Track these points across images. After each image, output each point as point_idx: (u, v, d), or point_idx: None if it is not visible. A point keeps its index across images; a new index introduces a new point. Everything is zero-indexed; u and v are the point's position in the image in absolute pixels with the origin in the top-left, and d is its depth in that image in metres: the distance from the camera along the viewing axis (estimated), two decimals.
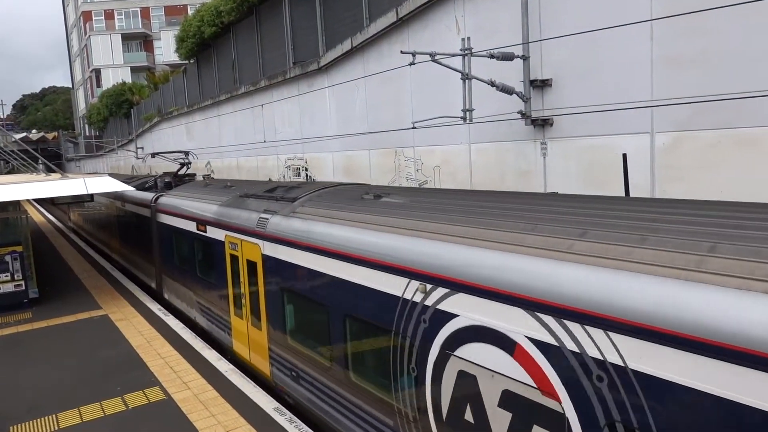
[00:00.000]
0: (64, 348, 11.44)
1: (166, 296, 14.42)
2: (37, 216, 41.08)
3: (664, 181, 7.43)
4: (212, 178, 16.60)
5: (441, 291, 5.02)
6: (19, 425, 8.21)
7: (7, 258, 14.32)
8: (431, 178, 11.65)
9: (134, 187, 16.63)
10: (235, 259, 9.56)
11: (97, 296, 15.57)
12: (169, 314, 13.38)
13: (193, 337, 11.57)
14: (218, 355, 10.50)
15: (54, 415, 8.44)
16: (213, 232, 10.47)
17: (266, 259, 8.38)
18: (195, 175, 17.05)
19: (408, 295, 5.42)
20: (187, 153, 17.28)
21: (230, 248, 9.70)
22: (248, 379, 9.32)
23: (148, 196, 14.97)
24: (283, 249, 7.83)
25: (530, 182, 9.33)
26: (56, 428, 8.05)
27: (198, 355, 10.54)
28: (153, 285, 15.37)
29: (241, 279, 9.39)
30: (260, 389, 8.88)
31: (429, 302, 5.16)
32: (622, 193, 6.45)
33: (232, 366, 9.90)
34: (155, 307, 14.02)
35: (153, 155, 17.29)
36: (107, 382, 9.54)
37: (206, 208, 11.06)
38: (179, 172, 16.50)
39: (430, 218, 5.79)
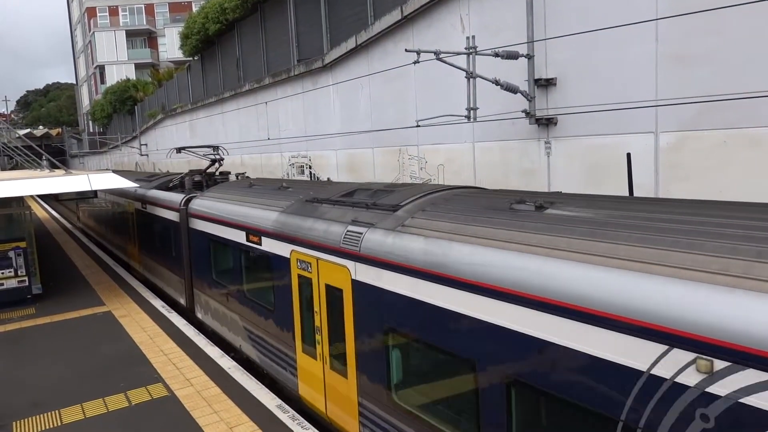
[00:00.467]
0: (67, 344, 11.47)
1: (199, 316, 12.61)
2: (42, 213, 41.19)
3: (668, 181, 7.41)
4: (248, 177, 14.88)
5: (754, 375, 3.19)
6: (22, 420, 8.24)
7: (11, 254, 14.36)
8: (435, 176, 11.66)
9: (155, 187, 15.64)
10: (307, 282, 7.78)
11: (101, 292, 15.62)
12: (173, 311, 13.40)
13: (196, 334, 11.60)
14: (221, 351, 10.52)
15: (57, 411, 8.47)
16: (272, 246, 8.69)
17: (359, 286, 6.58)
18: (229, 173, 15.22)
19: (663, 372, 3.61)
20: (216, 147, 14.99)
21: (299, 267, 7.93)
22: (251, 376, 9.34)
23: (176, 197, 13.24)
24: (391, 276, 6.05)
25: (534, 181, 9.32)
26: (59, 424, 8.08)
27: (201, 351, 10.57)
28: (182, 301, 13.51)
29: (316, 308, 7.57)
30: (263, 386, 8.90)
31: (719, 390, 3.36)
32: (626, 193, 6.43)
33: (235, 363, 9.93)
34: (158, 304, 14.05)
35: (178, 150, 15.15)
36: (110, 378, 9.57)
37: (260, 214, 9.24)
38: (209, 170, 14.75)
39: (691, 248, 3.88)
